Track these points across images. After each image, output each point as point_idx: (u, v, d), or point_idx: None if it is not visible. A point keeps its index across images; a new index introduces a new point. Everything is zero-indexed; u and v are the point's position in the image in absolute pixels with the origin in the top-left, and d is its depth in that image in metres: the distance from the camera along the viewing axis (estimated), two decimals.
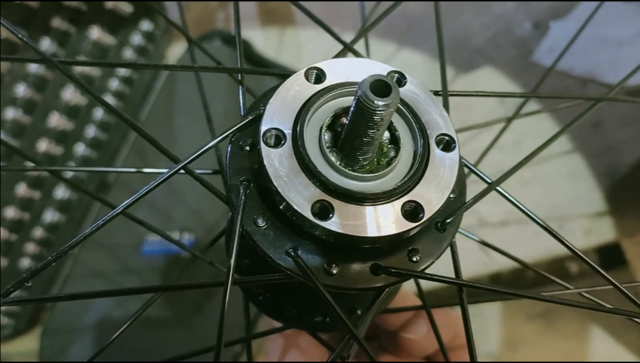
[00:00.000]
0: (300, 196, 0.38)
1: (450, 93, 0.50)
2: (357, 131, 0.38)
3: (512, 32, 1.37)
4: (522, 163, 0.50)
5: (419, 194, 0.40)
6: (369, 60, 0.44)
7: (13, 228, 1.11)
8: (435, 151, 0.41)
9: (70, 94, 1.14)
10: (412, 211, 0.39)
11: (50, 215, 1.17)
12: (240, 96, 0.46)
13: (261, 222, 0.40)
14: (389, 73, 0.44)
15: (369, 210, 0.38)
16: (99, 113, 1.20)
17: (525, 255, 1.16)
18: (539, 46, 1.33)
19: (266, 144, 0.39)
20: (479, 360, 0.41)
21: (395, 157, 0.41)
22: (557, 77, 1.27)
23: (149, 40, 1.24)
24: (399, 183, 0.39)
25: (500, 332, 1.13)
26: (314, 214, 0.38)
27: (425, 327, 0.62)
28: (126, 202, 0.39)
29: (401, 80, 0.44)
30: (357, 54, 0.50)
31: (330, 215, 0.38)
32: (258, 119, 0.42)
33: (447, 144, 0.42)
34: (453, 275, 0.45)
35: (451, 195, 0.41)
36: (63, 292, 1.17)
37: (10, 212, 1.10)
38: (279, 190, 0.38)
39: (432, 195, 0.40)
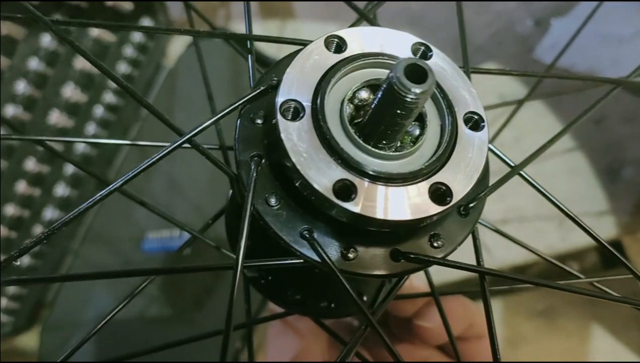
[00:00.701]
0: (320, 174, 0.34)
1: (472, 69, 0.46)
2: (384, 117, 0.34)
3: (513, 30, 1.34)
4: (545, 146, 0.47)
5: (446, 176, 0.36)
6: (390, 30, 0.40)
7: (13, 225, 1.08)
8: (464, 130, 0.37)
9: (70, 91, 1.10)
10: (439, 194, 0.35)
11: (50, 213, 1.13)
12: (250, 65, 0.42)
13: (274, 201, 0.36)
14: (414, 44, 0.39)
15: (394, 191, 0.34)
16: (99, 110, 1.16)
17: (527, 252, 1.13)
18: (540, 43, 1.30)
19: (284, 116, 0.35)
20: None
21: (421, 135, 0.37)
22: (559, 73, 1.23)
23: (149, 37, 1.21)
24: (427, 164, 0.35)
25: (501, 330, 1.10)
26: (336, 194, 0.33)
27: (438, 316, 0.58)
28: (125, 176, 0.35)
29: (427, 53, 0.40)
30: (373, 23, 0.45)
31: (353, 196, 0.34)
32: (270, 89, 0.37)
33: (476, 123, 0.38)
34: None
35: None
36: (64, 287, 1.14)
37: (10, 209, 1.07)
38: (298, 167, 0.34)
39: (459, 178, 0.36)
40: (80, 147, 1.15)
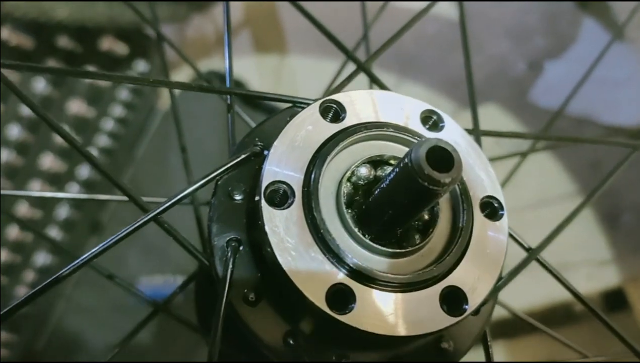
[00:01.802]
0: (311, 278, 0.26)
1: (482, 132, 0.39)
2: (393, 205, 0.27)
3: (506, 72, 1.28)
4: (562, 226, 0.40)
5: (461, 278, 0.28)
6: (396, 94, 0.32)
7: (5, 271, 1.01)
8: (481, 219, 0.30)
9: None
10: (453, 301, 0.28)
11: (42, 258, 1.07)
12: (229, 125, 0.34)
13: (253, 298, 0.29)
14: (423, 113, 0.32)
15: (400, 299, 0.27)
16: (93, 153, 1.10)
17: (528, 300, 1.06)
18: (534, 86, 1.24)
19: (269, 202, 0.27)
20: None
21: (431, 226, 0.29)
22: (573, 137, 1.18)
23: (164, 88, 1.15)
24: (437, 264, 0.28)
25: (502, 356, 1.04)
26: (329, 302, 0.26)
27: None
28: (91, 252, 0.30)
29: (438, 123, 0.32)
30: (373, 78, 0.38)
31: (351, 305, 0.26)
32: (253, 157, 0.30)
33: (494, 211, 0.31)
34: None
35: None
36: (56, 329, 1.07)
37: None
38: (285, 268, 0.26)
39: (477, 278, 0.28)
40: (73, 189, 1.09)
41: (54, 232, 1.05)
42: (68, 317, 1.07)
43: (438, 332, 0.27)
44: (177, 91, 1.18)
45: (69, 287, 1.08)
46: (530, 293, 1.05)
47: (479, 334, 0.32)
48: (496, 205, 0.30)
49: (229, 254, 0.29)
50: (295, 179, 0.28)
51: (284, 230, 0.27)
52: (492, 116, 1.21)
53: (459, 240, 0.28)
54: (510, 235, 0.37)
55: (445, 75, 1.25)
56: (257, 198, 0.27)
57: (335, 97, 0.31)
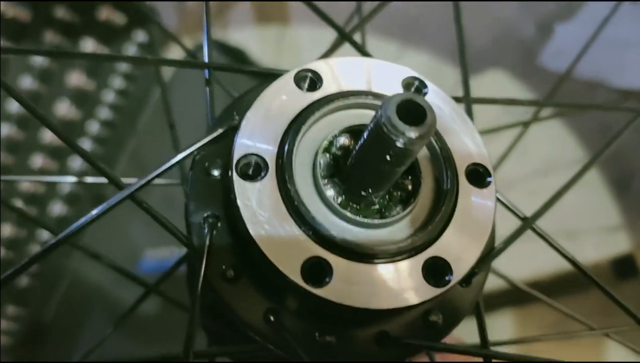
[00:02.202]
0: (286, 251, 0.25)
1: (474, 100, 0.37)
2: (371, 165, 0.26)
3: (515, 35, 1.24)
4: (560, 193, 0.38)
5: (445, 247, 0.27)
6: (377, 61, 0.31)
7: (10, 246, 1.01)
8: (466, 186, 0.29)
9: (64, 108, 1.03)
10: (437, 271, 0.27)
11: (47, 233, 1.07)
12: (207, 100, 0.33)
13: (232, 275, 0.28)
14: (405, 79, 0.31)
15: (379, 271, 0.26)
16: (94, 127, 1.09)
17: (537, 269, 1.04)
18: (544, 50, 1.20)
19: (241, 175, 0.26)
20: None
21: (414, 194, 0.28)
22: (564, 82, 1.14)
23: (144, 51, 1.13)
24: (420, 233, 0.27)
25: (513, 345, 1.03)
26: (305, 276, 0.25)
27: (439, 358, 0.50)
28: (67, 230, 0.28)
29: (421, 89, 0.31)
30: (359, 48, 0.36)
31: (327, 279, 0.25)
32: (230, 132, 0.29)
33: (481, 177, 0.29)
34: None
35: None
36: (63, 303, 1.08)
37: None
38: (258, 242, 0.25)
39: (462, 248, 0.27)
40: (76, 164, 1.08)
41: (58, 207, 1.06)
42: (74, 290, 1.08)
43: (421, 304, 0.26)
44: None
45: (75, 260, 1.09)
46: (537, 262, 1.04)
47: (470, 306, 0.31)
48: (482, 171, 0.29)
49: (206, 231, 0.28)
50: (268, 150, 0.27)
51: (256, 203, 0.26)
52: (499, 81, 1.18)
53: (442, 208, 0.27)
54: (504, 204, 0.36)
55: (450, 41, 1.22)
56: (229, 171, 0.26)
57: (310, 65, 0.29)
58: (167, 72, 1.18)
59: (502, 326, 1.04)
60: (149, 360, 0.29)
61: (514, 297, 1.03)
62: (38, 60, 0.99)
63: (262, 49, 1.25)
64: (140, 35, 1.10)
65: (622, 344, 0.51)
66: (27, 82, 0.98)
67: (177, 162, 0.29)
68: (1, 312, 1.04)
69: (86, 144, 1.08)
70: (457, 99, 0.36)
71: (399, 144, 0.23)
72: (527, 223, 0.34)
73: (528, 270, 1.05)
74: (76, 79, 1.03)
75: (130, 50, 1.10)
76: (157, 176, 0.29)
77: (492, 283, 1.03)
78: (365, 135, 0.25)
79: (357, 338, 0.28)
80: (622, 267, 1.05)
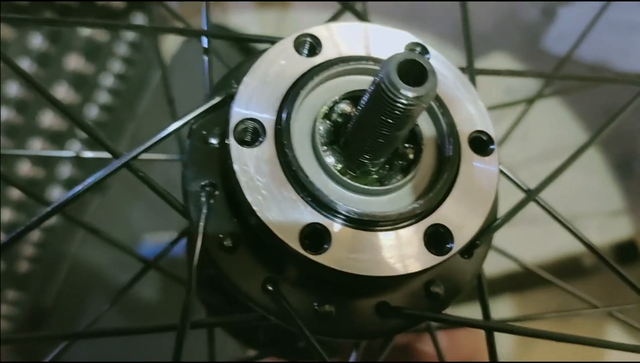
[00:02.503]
0: (284, 217, 0.25)
1: (477, 70, 0.36)
2: (371, 128, 0.25)
3: (518, 18, 1.23)
4: (563, 167, 0.38)
5: (447, 215, 0.26)
6: (381, 26, 0.30)
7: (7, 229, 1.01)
8: (469, 154, 0.28)
9: (63, 92, 1.02)
10: (437, 239, 0.26)
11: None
12: (206, 68, 0.32)
13: (230, 244, 0.27)
14: (407, 45, 0.30)
15: (379, 238, 0.25)
16: (93, 111, 1.08)
17: (538, 253, 1.04)
18: (547, 33, 1.19)
19: (238, 140, 0.26)
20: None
21: (415, 162, 0.28)
22: (567, 65, 1.13)
23: (142, 34, 1.13)
24: (421, 201, 0.26)
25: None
26: (304, 243, 0.25)
27: (445, 340, 0.50)
28: (63, 197, 0.27)
29: (424, 55, 0.30)
30: (360, 16, 0.36)
31: (326, 246, 0.25)
32: (228, 101, 0.28)
33: (484, 145, 0.29)
34: None
35: None
36: (64, 287, 1.08)
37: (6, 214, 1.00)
38: (255, 208, 0.25)
39: (464, 216, 0.27)
40: (76, 146, 1.07)
41: (57, 191, 1.05)
42: (75, 274, 1.08)
43: (422, 273, 0.26)
44: (178, 42, 1.16)
45: (75, 245, 1.09)
46: (541, 246, 1.03)
47: (472, 278, 0.31)
48: (485, 139, 0.29)
49: (203, 199, 0.28)
50: (266, 115, 0.26)
51: (254, 168, 0.25)
52: (502, 63, 1.17)
53: (444, 175, 0.27)
54: (507, 176, 0.35)
55: (453, 25, 1.21)
56: (226, 137, 0.26)
57: (311, 30, 0.29)
58: (167, 55, 1.18)
59: (503, 313, 1.04)
60: (147, 329, 0.28)
61: (517, 282, 1.03)
62: (36, 43, 0.98)
63: (262, 31, 1.24)
64: (139, 19, 1.09)
65: (626, 323, 0.51)
66: (25, 65, 0.98)
67: (174, 131, 0.28)
68: (1, 296, 1.04)
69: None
70: (461, 70, 0.35)
71: (398, 104, 0.22)
72: (531, 195, 0.34)
73: (531, 255, 1.05)
74: (75, 62, 1.03)
75: (129, 33, 1.09)
76: (153, 146, 0.28)
77: (495, 267, 1.03)
78: (365, 97, 0.25)
79: (357, 308, 0.28)
80: (624, 251, 1.05)
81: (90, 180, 0.28)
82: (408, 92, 0.22)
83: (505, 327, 0.30)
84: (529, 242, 1.01)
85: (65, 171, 1.07)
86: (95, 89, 1.07)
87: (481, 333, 0.54)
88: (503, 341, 1.01)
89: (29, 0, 0.96)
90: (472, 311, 0.36)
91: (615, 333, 0.99)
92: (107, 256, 1.08)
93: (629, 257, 1.04)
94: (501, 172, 0.34)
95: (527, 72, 0.39)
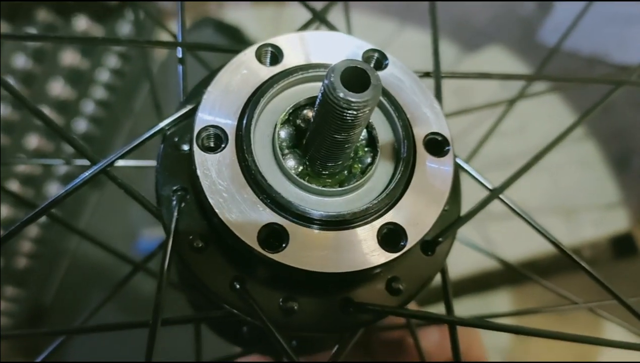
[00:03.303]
0: (244, 218, 0.27)
1: (444, 75, 0.38)
2: (323, 133, 0.27)
3: (515, 12, 1.24)
4: (527, 166, 0.39)
5: (401, 214, 0.28)
6: (339, 34, 0.32)
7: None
8: (424, 155, 0.30)
9: (59, 88, 1.04)
10: (391, 237, 0.28)
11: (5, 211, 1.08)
12: (180, 79, 0.34)
13: (200, 245, 0.29)
14: (366, 52, 0.32)
15: (335, 236, 0.27)
16: (89, 107, 1.10)
17: (533, 247, 1.05)
18: (543, 26, 1.20)
19: (201, 146, 0.28)
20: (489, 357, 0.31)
21: (371, 163, 0.30)
22: (563, 58, 1.14)
23: (138, 31, 1.14)
24: (375, 201, 0.28)
25: (510, 324, 1.03)
26: (262, 242, 0.27)
27: (437, 334, 0.51)
28: (48, 201, 0.30)
29: (382, 61, 0.32)
30: (329, 26, 0.38)
31: (284, 245, 0.27)
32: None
33: (439, 146, 0.31)
34: None
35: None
36: (62, 285, 1.10)
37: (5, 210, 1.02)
38: (216, 210, 0.27)
39: (418, 214, 0.29)
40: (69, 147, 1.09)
41: (54, 188, 1.07)
42: (73, 272, 1.10)
43: (377, 268, 0.28)
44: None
45: (74, 242, 1.11)
46: (534, 243, 1.04)
47: (434, 274, 0.32)
48: (440, 139, 0.30)
49: (174, 203, 0.30)
50: (228, 122, 0.28)
51: (216, 173, 0.27)
52: (498, 57, 1.18)
53: (398, 177, 0.29)
54: (471, 175, 0.37)
55: (448, 16, 1.22)
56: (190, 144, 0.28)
57: (272, 40, 0.31)
58: (163, 52, 1.20)
59: (499, 306, 1.06)
60: (120, 325, 0.30)
61: (511, 276, 1.04)
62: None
63: (259, 27, 1.26)
64: (132, 15, 1.11)
65: (607, 319, 0.52)
66: (20, 62, 0.99)
67: (148, 138, 0.30)
68: (1, 293, 1.05)
69: (81, 124, 1.09)
70: (427, 74, 0.37)
71: (344, 109, 0.24)
72: (494, 193, 0.35)
73: (525, 250, 1.06)
74: (70, 58, 1.05)
75: (125, 28, 1.11)
76: (129, 152, 0.30)
77: (489, 262, 1.04)
78: (317, 104, 0.26)
79: (321, 304, 0.30)
80: (621, 245, 1.06)
81: (69, 186, 0.30)
82: (351, 98, 0.24)
83: (466, 321, 0.32)
84: (524, 237, 1.03)
85: (62, 168, 1.09)
86: (91, 84, 1.09)
87: (475, 329, 0.56)
88: (501, 336, 1.03)
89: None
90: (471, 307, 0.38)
91: (610, 325, 1.00)
92: (105, 252, 1.10)
93: (625, 250, 1.05)
94: (466, 171, 0.36)
95: (495, 75, 0.40)
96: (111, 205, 1.13)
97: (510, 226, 1.04)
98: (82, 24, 1.05)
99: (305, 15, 0.38)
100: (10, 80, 0.98)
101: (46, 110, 1.03)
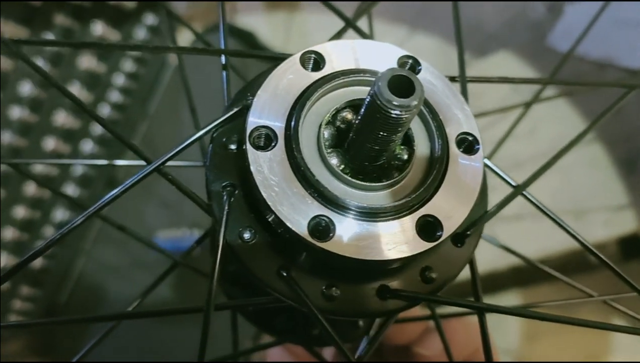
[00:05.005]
0: (294, 210, 0.30)
1: (468, 79, 0.41)
2: (368, 135, 0.30)
3: (526, 16, 1.27)
4: (549, 163, 0.42)
5: (436, 207, 0.31)
6: (376, 42, 0.36)
7: (24, 227, 1.05)
8: (456, 153, 0.33)
9: (75, 91, 1.06)
10: (428, 228, 0.31)
11: (60, 214, 1.11)
12: (224, 83, 0.37)
13: (248, 236, 0.32)
14: (400, 58, 0.35)
15: (376, 227, 0.30)
16: (105, 110, 1.13)
17: (543, 247, 1.07)
18: (553, 30, 1.23)
19: (253, 145, 0.31)
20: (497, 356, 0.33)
21: (408, 161, 0.33)
22: (572, 62, 1.16)
23: (154, 34, 1.16)
24: (413, 195, 0.31)
25: (518, 324, 1.06)
26: (311, 232, 0.30)
27: (439, 343, 0.53)
28: (101, 201, 0.32)
29: (415, 67, 0.35)
30: (361, 33, 0.41)
31: (331, 234, 0.30)
32: (245, 111, 0.33)
33: (470, 145, 0.34)
34: None
35: None
36: (78, 284, 1.13)
37: (21, 211, 1.04)
38: (269, 202, 0.30)
39: (452, 207, 0.32)
40: (87, 146, 1.12)
41: (70, 189, 1.10)
42: (89, 272, 1.13)
43: (415, 257, 0.31)
44: (187, 42, 1.20)
45: (89, 243, 1.14)
46: (548, 240, 1.07)
47: (464, 264, 0.36)
48: (471, 139, 0.33)
49: (225, 198, 0.33)
50: (277, 123, 0.31)
51: (267, 169, 0.30)
52: (509, 63, 1.21)
53: (434, 172, 0.32)
54: (496, 173, 0.40)
55: (462, 22, 1.25)
56: (244, 144, 0.31)
57: (314, 48, 0.34)
58: (175, 56, 1.22)
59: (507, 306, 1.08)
60: (173, 310, 0.33)
61: (521, 277, 1.07)
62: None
63: (271, 32, 1.29)
64: (150, 19, 1.13)
65: (622, 312, 0.54)
66: (38, 65, 1.01)
67: (198, 138, 0.33)
68: (16, 292, 1.07)
69: (98, 127, 1.11)
70: (452, 78, 0.40)
71: (392, 113, 0.27)
72: (518, 189, 0.38)
73: (537, 249, 1.08)
74: (87, 62, 1.07)
75: (140, 33, 1.13)
76: (178, 153, 0.33)
77: (500, 263, 1.06)
78: (363, 108, 0.30)
79: (360, 291, 0.33)
80: (629, 246, 1.08)
81: (126, 183, 0.32)
82: (398, 103, 0.27)
83: (495, 307, 0.35)
84: (536, 237, 1.05)
85: (79, 169, 1.12)
86: (107, 88, 1.12)
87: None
88: (509, 337, 1.06)
89: (41, 0, 0.99)
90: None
91: (619, 323, 1.03)
92: (120, 253, 1.13)
93: (633, 251, 1.08)
94: (491, 169, 0.39)
95: (517, 79, 0.43)
96: (126, 206, 1.15)
97: (516, 228, 1.07)
98: (98, 28, 1.08)
99: (316, 20, 0.41)
100: (28, 85, 1.00)
101: (63, 113, 1.05)
